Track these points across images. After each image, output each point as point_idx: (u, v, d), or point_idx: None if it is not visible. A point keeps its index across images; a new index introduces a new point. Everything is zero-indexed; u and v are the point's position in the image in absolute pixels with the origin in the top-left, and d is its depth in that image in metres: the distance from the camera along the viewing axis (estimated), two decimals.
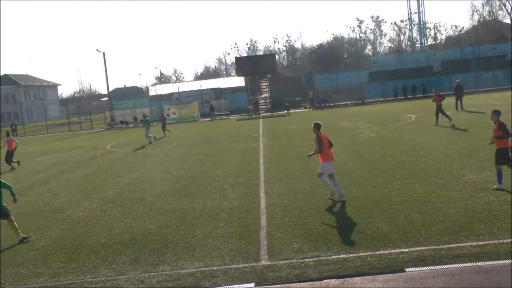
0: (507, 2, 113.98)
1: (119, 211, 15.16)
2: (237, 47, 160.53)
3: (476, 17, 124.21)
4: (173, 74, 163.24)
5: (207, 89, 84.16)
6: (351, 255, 9.59)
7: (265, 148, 27.59)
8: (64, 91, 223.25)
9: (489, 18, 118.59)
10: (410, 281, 8.22)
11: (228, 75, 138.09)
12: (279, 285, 8.60)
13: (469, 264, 8.63)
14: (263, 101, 73.00)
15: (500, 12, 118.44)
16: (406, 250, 9.56)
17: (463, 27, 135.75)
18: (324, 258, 9.57)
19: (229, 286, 8.74)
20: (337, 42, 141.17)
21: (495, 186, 13.39)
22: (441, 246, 9.57)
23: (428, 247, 9.58)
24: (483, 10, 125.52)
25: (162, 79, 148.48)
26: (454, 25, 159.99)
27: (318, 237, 10.83)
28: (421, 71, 77.71)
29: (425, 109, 42.36)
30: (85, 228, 13.45)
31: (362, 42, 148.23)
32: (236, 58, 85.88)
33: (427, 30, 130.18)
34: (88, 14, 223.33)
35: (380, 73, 77.64)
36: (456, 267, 8.57)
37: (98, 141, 44.77)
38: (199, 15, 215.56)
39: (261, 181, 17.66)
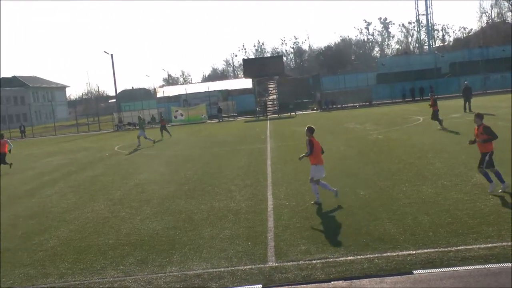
0: None
1: (126, 212, 15.19)
2: (245, 49, 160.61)
3: (484, 18, 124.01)
4: (180, 76, 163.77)
5: (214, 90, 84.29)
6: (359, 257, 9.56)
7: (273, 149, 27.59)
8: (72, 93, 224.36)
9: (498, 20, 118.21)
10: (417, 283, 8.20)
11: (235, 77, 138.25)
12: (286, 287, 8.60)
13: (477, 267, 8.59)
14: (270, 103, 72.99)
15: (509, 14, 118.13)
16: (414, 252, 9.53)
17: (471, 29, 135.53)
18: (331, 260, 9.55)
19: None
20: (345, 44, 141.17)
21: (490, 188, 13.30)
22: (449, 248, 9.54)
23: (436, 249, 9.55)
24: (491, 11, 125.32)
25: (170, 80, 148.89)
26: (463, 26, 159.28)
27: (325, 239, 10.82)
28: (429, 73, 77.49)
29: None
30: (92, 229, 13.49)
31: (370, 44, 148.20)
32: (243, 60, 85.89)
33: (435, 32, 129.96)
34: (96, 15, 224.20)
35: (387, 75, 77.49)
36: (465, 270, 8.53)
37: (105, 143, 44.88)
38: (206, 17, 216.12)
39: (269, 183, 17.66)
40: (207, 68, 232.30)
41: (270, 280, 8.89)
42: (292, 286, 8.59)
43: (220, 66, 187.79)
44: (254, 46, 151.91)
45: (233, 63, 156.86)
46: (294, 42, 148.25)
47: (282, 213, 13.38)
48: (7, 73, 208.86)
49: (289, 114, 63.92)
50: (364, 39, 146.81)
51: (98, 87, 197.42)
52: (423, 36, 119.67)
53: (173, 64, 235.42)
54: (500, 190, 13.19)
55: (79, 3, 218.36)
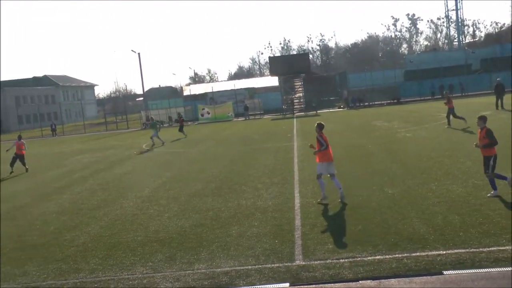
0: None
1: (154, 209, 15.32)
2: (271, 46, 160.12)
3: None
4: (207, 74, 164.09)
5: (241, 88, 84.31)
6: (387, 256, 9.50)
7: (299, 147, 27.52)
8: (101, 91, 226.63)
9: None
10: (448, 284, 8.11)
11: (261, 74, 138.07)
12: (313, 285, 8.58)
13: (511, 268, 8.42)
14: (297, 100, 72.79)
15: None
16: (444, 252, 9.43)
17: (503, 24, 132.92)
18: (359, 259, 9.51)
19: (263, 286, 8.75)
20: (372, 41, 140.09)
21: (491, 193, 13.06)
22: (480, 249, 9.40)
23: (467, 250, 9.43)
24: None
25: (196, 79, 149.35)
26: (494, 21, 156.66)
27: (353, 238, 10.77)
28: (459, 70, 76.31)
29: (463, 109, 41.68)
30: (122, 226, 13.64)
31: (398, 40, 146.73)
32: (269, 57, 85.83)
33: (465, 27, 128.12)
34: (123, 15, 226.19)
35: (416, 72, 76.61)
36: (497, 271, 8.39)
37: (133, 141, 45.27)
38: (233, 15, 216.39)
39: (296, 181, 17.64)
40: (233, 66, 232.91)
41: (297, 279, 8.88)
42: (320, 285, 8.57)
43: (246, 64, 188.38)
44: (280, 43, 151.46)
45: (259, 61, 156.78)
46: (320, 40, 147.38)
47: (309, 211, 13.36)
48: (38, 73, 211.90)
49: (314, 112, 63.69)
50: (391, 35, 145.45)
51: (126, 85, 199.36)
52: (453, 32, 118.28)
53: (199, 62, 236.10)
54: (488, 195, 13.02)
55: (107, 3, 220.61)
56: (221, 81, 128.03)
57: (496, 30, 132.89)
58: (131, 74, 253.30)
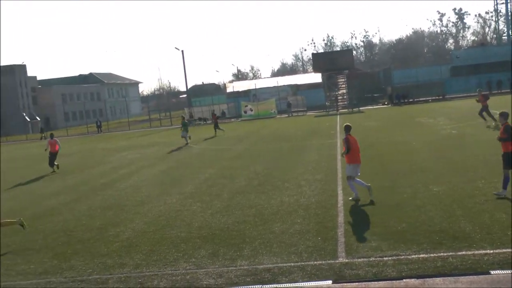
0: None
1: (198, 206, 15.45)
2: (314, 43, 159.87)
3: None
4: (250, 71, 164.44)
5: (284, 85, 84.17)
6: (432, 255, 9.35)
7: (343, 145, 27.27)
8: (145, 89, 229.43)
9: None
10: (495, 284, 7.93)
11: (305, 71, 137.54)
12: (356, 283, 8.51)
13: None
14: (340, 97, 72.26)
15: None
16: (491, 251, 9.22)
17: None
18: (403, 257, 9.39)
19: (306, 283, 8.73)
20: (417, 36, 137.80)
21: (497, 192, 12.82)
22: None
23: None
24: None
25: (239, 76, 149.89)
26: None
27: (397, 236, 10.64)
28: (508, 65, 74.27)
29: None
30: (165, 222, 13.80)
31: (444, 35, 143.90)
32: (313, 54, 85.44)
33: None
34: (167, 13, 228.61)
35: (462, 68, 75.06)
36: None
37: (177, 138, 45.58)
38: (275, 12, 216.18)
39: (339, 178, 17.52)
40: (276, 63, 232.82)
41: (340, 276, 8.83)
42: (363, 283, 8.49)
43: (289, 60, 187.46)
44: (324, 40, 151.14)
45: (302, 58, 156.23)
46: (364, 36, 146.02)
47: (353, 208, 13.27)
48: (84, 71, 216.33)
49: (351, 109, 63.18)
50: (437, 31, 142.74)
51: (169, 82, 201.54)
52: (502, 26, 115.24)
53: (242, 59, 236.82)
54: (494, 192, 12.92)
55: (151, 2, 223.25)
56: (264, 78, 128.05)
57: None
58: (174, 72, 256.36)
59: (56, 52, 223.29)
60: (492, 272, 8.34)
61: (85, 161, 32.48)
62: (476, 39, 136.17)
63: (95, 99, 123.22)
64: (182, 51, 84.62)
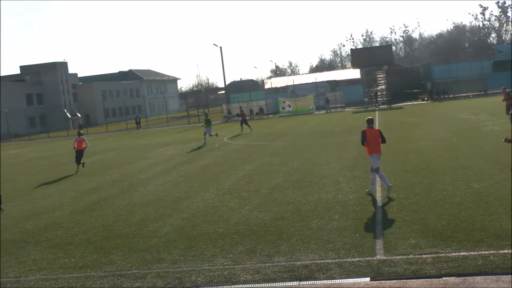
0: None
1: (235, 202, 15.50)
2: (353, 38, 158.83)
3: None
4: (288, 67, 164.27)
5: (322, 81, 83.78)
6: (472, 253, 9.18)
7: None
8: (184, 85, 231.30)
9: None
10: None
11: (343, 67, 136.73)
12: (395, 281, 8.41)
13: None
14: (379, 93, 71.58)
15: None
16: None
17: None
18: (442, 255, 9.24)
19: (344, 280, 8.67)
20: (458, 31, 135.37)
21: None
22: None
23: None
24: None
25: (278, 72, 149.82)
26: None
27: (436, 233, 10.48)
28: None
29: None
30: (203, 218, 13.89)
31: (486, 30, 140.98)
32: (351, 50, 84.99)
33: None
34: (206, 9, 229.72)
35: (505, 63, 73.25)
36: None
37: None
38: (314, 7, 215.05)
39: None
40: (315, 59, 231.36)
41: (378, 273, 8.74)
42: (401, 280, 8.39)
43: (328, 56, 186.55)
44: (362, 35, 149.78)
45: (340, 53, 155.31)
46: (404, 31, 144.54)
47: (391, 205, 13.13)
48: (124, 67, 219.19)
49: (388, 106, 62.52)
50: (479, 25, 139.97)
51: (207, 79, 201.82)
52: None
53: (280, 55, 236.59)
54: None
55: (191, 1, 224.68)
56: (302, 74, 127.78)
57: None
58: (213, 68, 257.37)
59: (96, 49, 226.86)
60: None
61: (124, 157, 32.93)
62: None
63: (134, 95, 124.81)
64: (221, 47, 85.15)
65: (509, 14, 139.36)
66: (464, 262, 8.78)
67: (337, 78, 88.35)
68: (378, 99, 68.76)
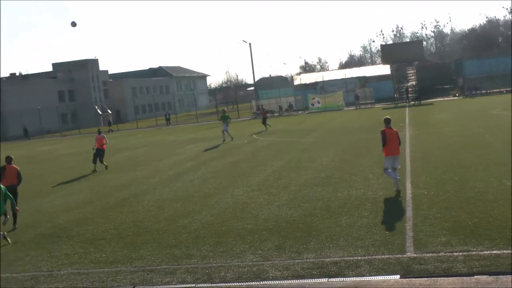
0: None
1: (264, 198, 15.51)
2: (383, 34, 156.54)
3: None
4: (317, 63, 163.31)
5: (351, 77, 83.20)
6: (505, 251, 9.03)
7: (411, 137, 26.81)
8: (213, 82, 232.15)
9: None
10: None
11: (373, 63, 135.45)
12: (425, 279, 8.32)
13: None
14: (410, 89, 70.81)
15: None
16: None
17: None
18: (474, 253, 9.11)
19: (373, 277, 8.62)
20: (491, 25, 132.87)
21: None
22: None
23: None
24: None
25: (307, 68, 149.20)
26: None
27: (467, 231, 10.34)
28: None
29: None
30: (232, 214, 13.93)
31: None
32: (381, 45, 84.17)
33: None
34: (235, 5, 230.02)
35: None
36: None
37: (244, 130, 46.04)
38: (344, 3, 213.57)
39: (407, 171, 17.19)
40: (344, 55, 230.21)
41: (408, 271, 8.67)
42: (432, 278, 8.30)
43: (357, 52, 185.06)
44: (393, 31, 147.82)
45: (370, 49, 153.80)
46: (435, 26, 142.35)
47: (421, 202, 12.99)
48: (154, 64, 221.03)
49: (415, 103, 61.88)
50: None
51: (237, 75, 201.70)
52: None
53: (310, 51, 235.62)
54: None
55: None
56: (332, 70, 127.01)
57: None
58: (242, 64, 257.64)
59: (127, 47, 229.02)
60: None
61: (154, 153, 33.22)
62: None
63: (164, 92, 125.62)
64: (250, 43, 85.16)
65: None
66: (497, 261, 8.65)
67: (367, 74, 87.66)
68: (409, 95, 68.03)
